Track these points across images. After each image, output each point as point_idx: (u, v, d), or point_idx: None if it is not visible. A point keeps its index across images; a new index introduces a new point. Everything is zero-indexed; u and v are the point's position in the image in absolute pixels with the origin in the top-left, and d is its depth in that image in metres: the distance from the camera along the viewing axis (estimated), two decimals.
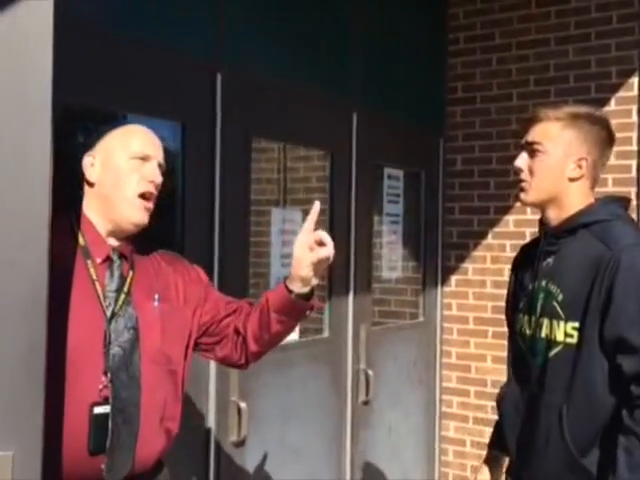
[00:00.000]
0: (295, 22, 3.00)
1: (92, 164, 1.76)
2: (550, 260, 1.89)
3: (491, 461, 2.12)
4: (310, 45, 3.10)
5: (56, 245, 1.48)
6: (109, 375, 1.65)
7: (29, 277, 1.31)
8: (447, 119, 4.12)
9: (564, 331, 1.81)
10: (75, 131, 2.27)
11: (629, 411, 1.69)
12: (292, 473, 2.99)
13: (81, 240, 1.72)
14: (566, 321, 1.81)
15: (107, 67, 2.22)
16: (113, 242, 1.76)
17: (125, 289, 1.72)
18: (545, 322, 1.86)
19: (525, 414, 1.90)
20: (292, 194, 3.75)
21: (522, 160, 1.90)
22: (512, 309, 2.07)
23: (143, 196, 1.74)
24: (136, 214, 1.74)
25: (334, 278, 3.27)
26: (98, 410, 1.63)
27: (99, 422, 1.62)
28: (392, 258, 3.88)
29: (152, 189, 1.75)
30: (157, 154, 1.79)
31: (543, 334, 1.86)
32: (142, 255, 1.82)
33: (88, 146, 1.77)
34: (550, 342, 1.84)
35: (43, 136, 1.55)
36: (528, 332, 1.92)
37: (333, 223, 3.27)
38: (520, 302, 1.99)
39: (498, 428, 2.09)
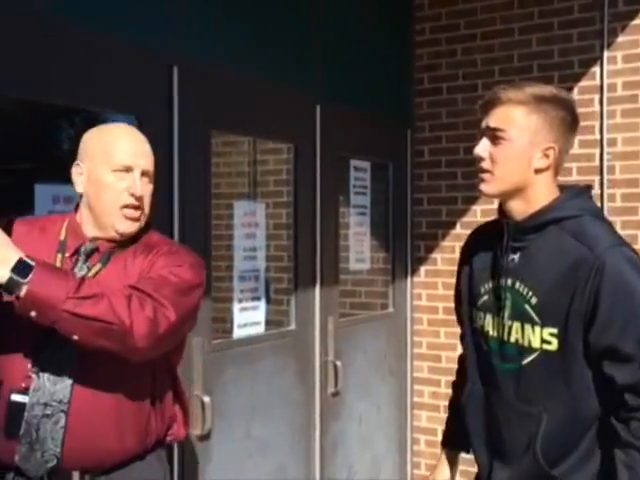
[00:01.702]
0: (255, 13, 2.99)
1: (80, 173, 1.81)
2: (515, 257, 1.74)
3: (449, 460, 2.08)
4: (271, 37, 3.08)
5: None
6: (35, 368, 1.69)
7: None
8: (414, 110, 4.13)
9: (540, 337, 1.68)
10: (31, 127, 2.26)
11: (624, 423, 1.60)
12: (259, 466, 3.00)
13: (62, 236, 1.81)
14: (542, 326, 1.67)
15: (59, 60, 2.20)
16: (92, 240, 1.80)
17: None
18: (515, 326, 1.72)
19: (495, 420, 1.79)
20: (262, 187, 3.76)
21: (483, 147, 1.73)
22: (468, 303, 1.89)
23: (127, 207, 1.77)
24: (121, 225, 1.78)
25: (300, 270, 3.27)
26: (15, 398, 1.69)
27: (13, 409, 1.68)
28: (360, 249, 3.89)
29: (133, 201, 1.77)
30: (140, 163, 1.79)
31: (513, 339, 1.73)
32: (126, 248, 1.82)
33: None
34: (522, 348, 1.71)
35: None
36: (492, 334, 1.78)
37: (298, 215, 3.27)
38: (479, 298, 1.84)
39: (453, 427, 2.04)
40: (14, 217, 1.86)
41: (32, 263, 1.55)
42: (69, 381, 1.69)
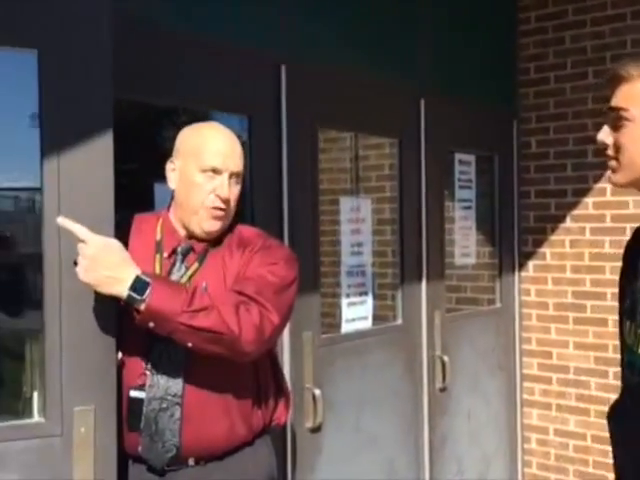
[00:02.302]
0: (359, 8, 3.00)
1: (173, 170, 1.87)
2: None
3: None
4: (375, 31, 3.09)
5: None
6: (149, 365, 1.78)
7: None
8: (520, 101, 4.03)
9: None
10: (147, 130, 2.36)
11: None
12: (369, 460, 3.02)
13: (158, 236, 1.87)
14: None
15: (172, 64, 2.29)
16: (186, 239, 1.87)
17: (183, 280, 1.81)
18: None
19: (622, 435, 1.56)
20: (364, 182, 3.77)
21: (605, 133, 1.52)
22: (620, 308, 1.64)
23: (213, 208, 1.82)
24: (206, 224, 1.83)
25: (406, 265, 3.26)
26: (134, 394, 1.79)
27: (133, 405, 1.78)
28: (466, 244, 3.83)
29: (220, 203, 1.82)
30: (229, 165, 1.83)
31: None
32: (220, 246, 1.88)
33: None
34: None
35: (105, 139, 1.68)
36: (628, 341, 1.54)
37: (403, 210, 3.26)
38: (624, 302, 1.60)
39: None
40: (130, 215, 1.94)
41: (148, 280, 1.64)
42: (180, 376, 1.78)
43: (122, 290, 1.62)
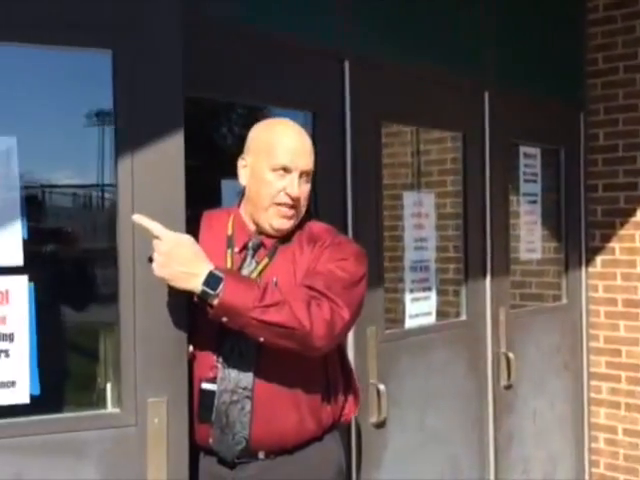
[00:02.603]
0: (422, 3, 2.97)
1: (244, 166, 1.89)
2: None
3: None
4: (438, 24, 3.06)
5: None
6: (220, 358, 1.81)
7: None
8: (587, 92, 3.93)
9: None
10: (213, 127, 2.39)
11: None
12: (433, 456, 3.00)
13: (229, 231, 1.90)
14: None
15: (238, 62, 2.31)
16: (257, 235, 1.88)
17: (254, 275, 1.82)
18: None
19: None
20: (426, 177, 3.74)
21: None
22: None
23: (283, 205, 1.83)
24: (275, 221, 1.84)
25: (470, 260, 3.23)
26: (205, 386, 1.82)
27: (205, 397, 1.81)
28: (531, 239, 3.76)
29: (289, 201, 1.82)
30: (299, 164, 1.83)
31: None
32: (290, 242, 1.89)
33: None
34: None
35: (177, 138, 1.72)
36: None
37: (467, 205, 3.22)
38: None
39: None
40: (198, 212, 1.97)
41: (221, 275, 1.66)
42: (251, 370, 1.80)
43: (196, 285, 1.65)
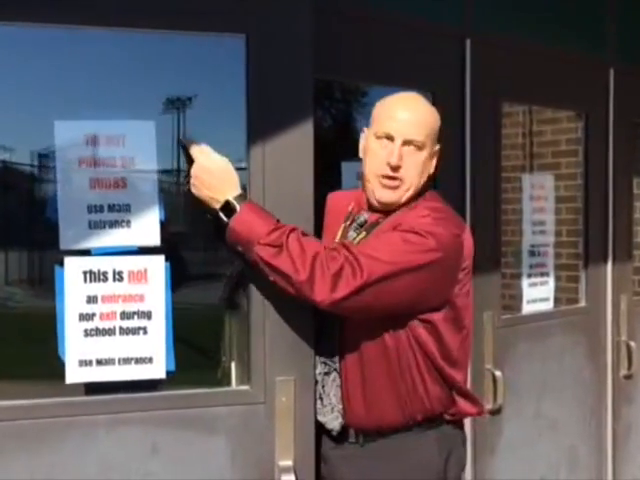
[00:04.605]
0: None
1: (365, 139, 1.85)
2: None
3: None
4: (559, 1, 2.94)
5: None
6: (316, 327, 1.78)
7: None
8: None
9: None
10: (334, 109, 2.39)
11: None
12: (549, 445, 2.93)
13: (351, 207, 1.90)
14: None
15: (361, 43, 2.30)
16: (367, 210, 1.85)
17: None
18: None
19: None
20: (539, 159, 3.62)
21: None
22: None
23: (383, 176, 1.75)
24: (379, 192, 1.78)
25: (590, 245, 3.11)
26: None
27: None
28: None
29: (389, 171, 1.74)
30: (404, 132, 1.73)
31: None
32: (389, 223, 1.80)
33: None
34: None
35: (306, 122, 1.72)
36: None
37: (589, 187, 3.10)
38: None
39: None
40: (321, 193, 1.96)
41: (236, 204, 1.63)
42: (336, 345, 1.80)
43: (216, 210, 1.67)
